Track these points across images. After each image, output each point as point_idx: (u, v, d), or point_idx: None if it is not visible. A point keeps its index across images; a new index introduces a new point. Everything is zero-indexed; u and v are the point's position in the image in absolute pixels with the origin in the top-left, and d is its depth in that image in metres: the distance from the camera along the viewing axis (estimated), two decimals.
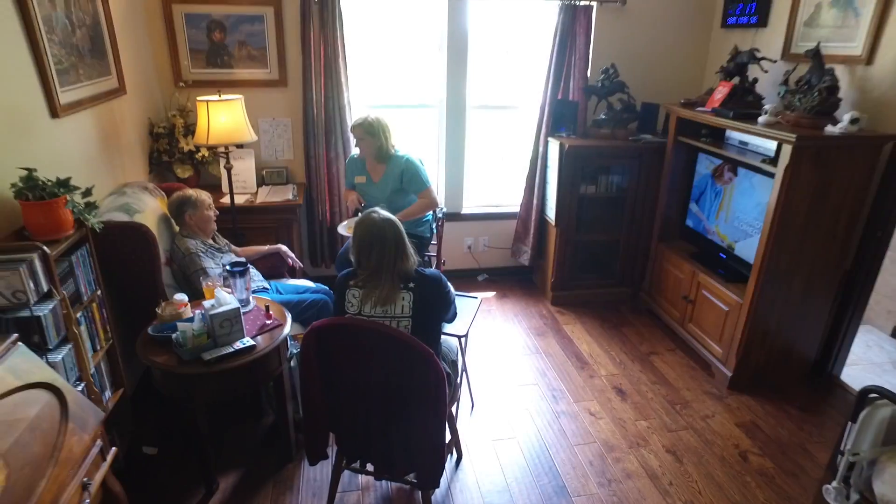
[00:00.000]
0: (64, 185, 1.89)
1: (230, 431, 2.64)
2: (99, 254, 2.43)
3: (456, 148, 3.89)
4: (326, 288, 3.21)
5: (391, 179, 3.12)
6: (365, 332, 1.77)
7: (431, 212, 3.33)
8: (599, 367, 3.18)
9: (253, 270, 2.87)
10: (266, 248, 3.10)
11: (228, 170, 3.08)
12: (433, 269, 2.00)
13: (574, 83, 3.65)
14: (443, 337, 2.27)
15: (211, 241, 2.76)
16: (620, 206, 3.73)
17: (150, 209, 2.66)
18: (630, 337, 3.50)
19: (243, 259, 2.69)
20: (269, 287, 2.87)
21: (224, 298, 2.14)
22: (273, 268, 3.14)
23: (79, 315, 1.97)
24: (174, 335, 2.05)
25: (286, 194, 3.43)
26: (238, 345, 2.10)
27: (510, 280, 4.24)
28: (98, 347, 2.14)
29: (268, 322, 2.29)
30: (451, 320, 2.19)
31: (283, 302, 2.67)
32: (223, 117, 2.87)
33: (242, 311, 2.35)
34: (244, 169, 3.48)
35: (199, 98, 2.86)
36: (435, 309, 1.94)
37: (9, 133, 1.94)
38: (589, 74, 3.68)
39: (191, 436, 2.25)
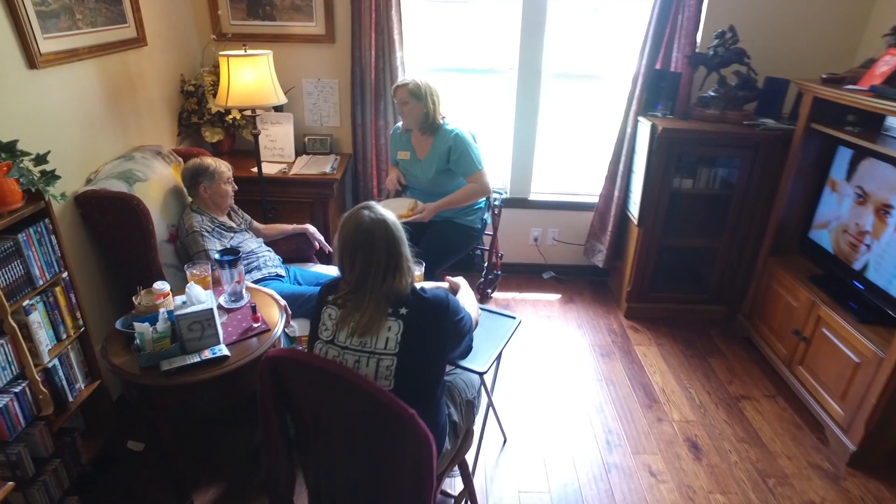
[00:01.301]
0: (7, 149, 1.58)
1: (227, 437, 2.34)
2: (90, 227, 2.18)
3: (527, 122, 3.29)
4: None
5: (437, 157, 2.62)
6: (326, 374, 1.32)
7: (484, 199, 2.80)
8: (672, 407, 2.55)
9: (269, 254, 2.52)
10: (291, 227, 2.73)
11: (255, 136, 2.72)
12: (438, 291, 1.50)
13: (678, 49, 2.91)
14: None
15: (223, 219, 2.42)
16: (723, 206, 2.98)
17: (157, 177, 2.36)
18: (718, 371, 2.81)
19: (237, 247, 2.33)
20: (285, 274, 2.51)
21: (197, 295, 1.78)
22: (298, 250, 2.78)
23: (29, 301, 1.69)
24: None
25: (324, 166, 3.04)
26: (207, 353, 1.74)
27: (580, 282, 3.63)
28: (64, 336, 1.87)
29: (254, 325, 1.91)
30: (461, 357, 1.70)
31: (290, 294, 2.30)
32: (247, 76, 2.49)
33: (233, 306, 2.00)
34: (282, 135, 3.13)
35: (221, 53, 2.49)
36: (434, 345, 1.44)
37: None
38: (699, 39, 2.92)
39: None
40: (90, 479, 2.04)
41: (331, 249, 2.83)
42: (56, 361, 1.84)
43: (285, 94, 3.10)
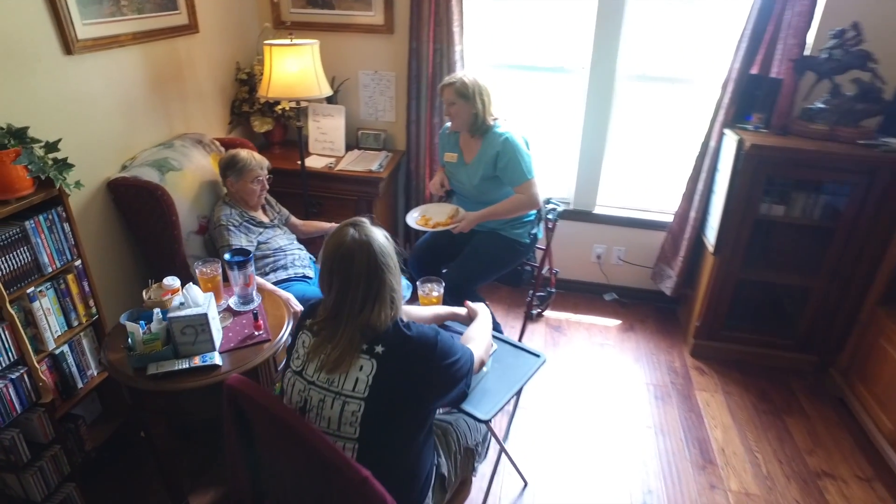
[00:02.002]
0: (17, 135, 1.56)
1: None
2: (121, 214, 2.18)
3: (596, 127, 2.97)
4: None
5: (483, 162, 2.39)
6: (278, 418, 1.16)
7: (534, 212, 2.53)
8: (730, 473, 2.17)
9: (300, 253, 2.42)
10: (329, 225, 2.63)
11: (299, 128, 2.63)
12: (426, 329, 1.29)
13: (782, 51, 2.46)
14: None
15: (254, 214, 2.35)
16: (823, 240, 2.51)
17: (193, 167, 2.33)
18: (796, 435, 2.37)
19: (249, 247, 2.24)
20: (313, 275, 2.40)
21: (194, 298, 1.70)
22: None
23: (36, 289, 1.68)
24: None
25: (372, 163, 2.90)
26: (198, 361, 1.65)
27: (645, 308, 3.25)
28: (76, 324, 1.86)
29: (256, 333, 1.81)
30: (453, 405, 1.48)
31: (312, 299, 2.18)
32: (290, 66, 2.39)
33: (242, 309, 1.91)
34: (333, 128, 3.03)
35: (265, 41, 2.41)
36: (411, 393, 1.24)
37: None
38: (810, 39, 2.45)
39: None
40: (98, 464, 2.05)
41: None
42: (66, 348, 1.83)
43: (340, 85, 3.02)
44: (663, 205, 3.10)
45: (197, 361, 1.65)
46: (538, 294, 3.10)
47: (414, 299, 1.98)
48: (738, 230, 2.51)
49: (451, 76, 2.35)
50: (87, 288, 1.87)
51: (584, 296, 3.34)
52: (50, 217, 1.70)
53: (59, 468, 1.82)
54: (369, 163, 2.92)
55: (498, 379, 1.67)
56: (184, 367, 1.63)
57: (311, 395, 1.24)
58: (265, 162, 2.32)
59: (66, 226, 1.76)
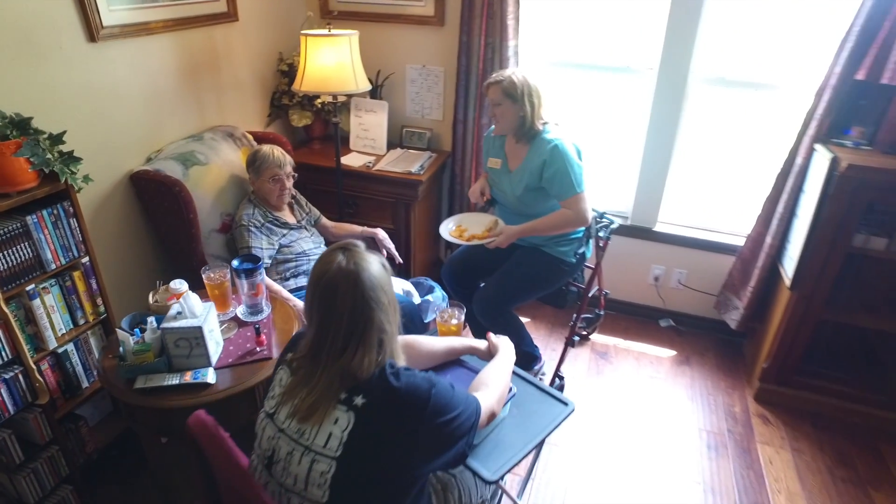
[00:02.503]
0: (19, 125, 1.48)
1: None
2: (144, 208, 2.11)
3: (663, 135, 2.65)
4: (433, 284, 2.49)
5: (528, 170, 2.15)
6: (226, 477, 1.00)
7: (582, 229, 2.26)
8: None
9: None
10: (360, 229, 2.47)
11: (335, 125, 2.49)
12: (419, 380, 1.08)
13: None
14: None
15: (279, 214, 2.23)
16: None
17: (221, 162, 2.23)
18: None
19: (270, 250, 2.12)
20: None
21: (191, 308, 1.57)
22: None
23: (37, 286, 1.61)
24: None
25: (412, 164, 2.72)
26: (189, 377, 1.53)
27: (705, 339, 2.91)
28: (82, 322, 1.80)
29: (257, 349, 1.67)
30: (451, 467, 1.27)
31: None
32: (326, 58, 2.24)
33: (251, 319, 1.78)
34: (375, 124, 2.87)
35: (302, 31, 2.27)
36: (393, 455, 1.04)
37: (15, 57, 1.60)
38: None
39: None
40: (101, 466, 1.99)
41: (401, 261, 2.52)
42: (71, 346, 1.77)
43: (385, 79, 2.85)
44: (735, 226, 2.74)
45: (188, 378, 1.53)
46: (585, 315, 2.83)
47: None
48: (824, 263, 2.14)
49: (499, 73, 2.12)
50: (94, 286, 1.80)
51: (636, 320, 3.03)
52: (55, 212, 1.62)
53: (55, 470, 1.76)
54: (410, 163, 2.74)
55: (515, 427, 1.44)
56: (174, 382, 1.51)
57: (279, 445, 1.07)
58: (287, 160, 2.18)
59: (74, 221, 1.68)
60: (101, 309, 1.84)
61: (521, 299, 2.33)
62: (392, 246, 2.47)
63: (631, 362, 2.72)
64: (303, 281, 2.18)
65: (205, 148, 2.22)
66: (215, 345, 1.62)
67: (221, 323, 1.77)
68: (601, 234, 2.37)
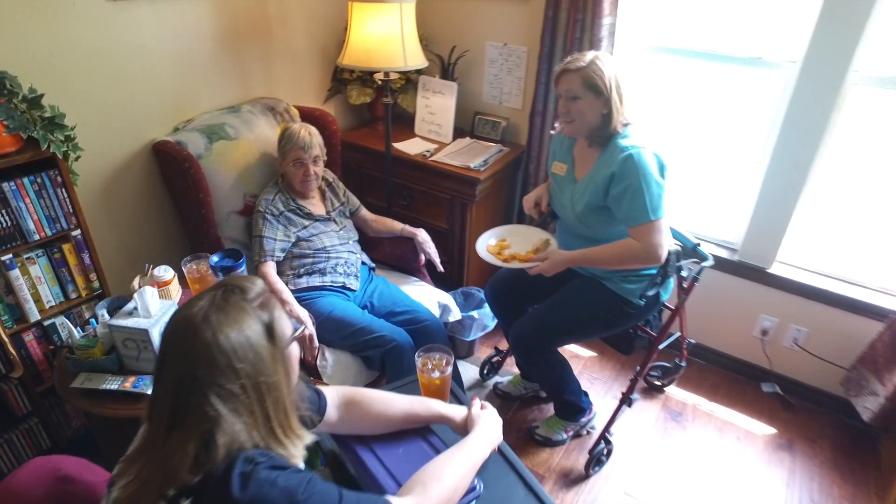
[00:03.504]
0: None
1: None
2: (164, 181, 1.99)
3: (798, 148, 2.01)
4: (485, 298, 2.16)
5: (594, 183, 1.70)
6: None
7: (657, 267, 1.75)
8: None
9: (349, 257, 2.03)
10: (401, 227, 2.18)
11: (386, 106, 2.20)
12: (278, 492, 0.75)
13: None
14: None
15: (304, 202, 2.00)
16: None
17: (252, 138, 2.05)
18: None
19: (284, 243, 1.91)
20: (356, 287, 2.00)
21: (146, 305, 1.39)
22: (403, 257, 2.24)
23: (13, 257, 1.53)
24: None
25: (475, 158, 2.36)
26: (129, 385, 1.35)
27: (822, 420, 2.24)
28: (74, 296, 1.71)
29: None
30: None
31: (336, 319, 1.80)
32: (373, 28, 1.95)
33: None
34: (442, 108, 2.53)
35: None
36: None
37: (24, 13, 1.51)
38: None
39: None
40: (89, 441, 1.94)
41: (441, 269, 2.20)
42: (63, 319, 1.69)
43: (459, 58, 2.50)
44: (887, 281, 2.04)
45: (129, 385, 1.35)
46: (661, 364, 2.31)
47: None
48: None
49: (575, 58, 1.65)
50: (87, 260, 1.69)
51: (730, 376, 2.43)
52: (38, 180, 1.51)
53: (34, 442, 1.72)
54: (473, 157, 2.38)
55: None
56: (111, 387, 1.35)
57: None
58: (316, 141, 1.93)
59: (63, 192, 1.57)
60: (96, 284, 1.74)
61: (567, 339, 1.91)
62: (432, 251, 2.15)
63: (711, 432, 2.17)
64: (316, 280, 1.94)
65: (238, 121, 2.04)
66: None
67: None
68: (684, 273, 1.84)
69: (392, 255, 2.27)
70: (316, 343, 1.73)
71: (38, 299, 1.63)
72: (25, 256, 1.57)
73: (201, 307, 0.78)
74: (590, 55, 1.64)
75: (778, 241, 2.17)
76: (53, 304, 1.68)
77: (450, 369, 1.30)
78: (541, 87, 2.32)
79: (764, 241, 2.19)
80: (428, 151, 2.43)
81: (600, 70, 1.59)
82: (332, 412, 1.11)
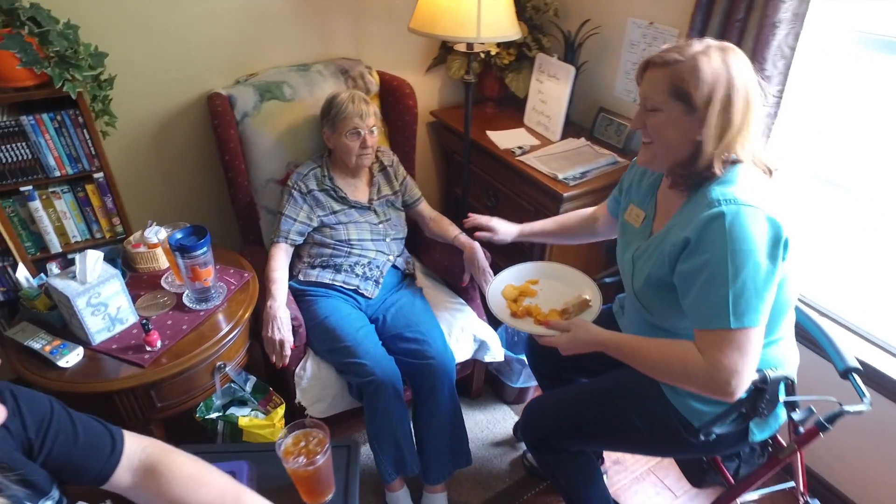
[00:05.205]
0: (8, 12, 1.34)
1: None
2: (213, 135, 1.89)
3: None
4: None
5: (663, 247, 1.12)
6: None
7: (733, 402, 1.09)
8: None
9: (378, 259, 1.76)
10: (455, 234, 1.81)
11: (466, 85, 1.80)
12: None
13: None
14: None
15: (344, 182, 1.75)
16: None
17: (310, 101, 1.85)
18: None
19: (306, 226, 1.68)
20: (371, 295, 1.72)
21: (83, 269, 1.28)
22: (449, 270, 1.88)
23: (33, 189, 1.55)
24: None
25: (571, 168, 1.85)
26: (49, 349, 1.28)
27: None
28: (98, 236, 1.72)
29: (147, 348, 1.31)
30: None
31: (326, 327, 1.56)
32: None
33: (196, 307, 1.44)
34: (553, 96, 2.02)
35: None
36: None
37: None
38: None
39: None
40: None
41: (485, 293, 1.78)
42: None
43: (587, 36, 1.95)
44: None
45: (49, 349, 1.28)
46: None
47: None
48: None
49: (676, 47, 1.08)
50: (110, 204, 1.68)
51: None
52: (58, 118, 1.50)
53: None
54: (570, 165, 1.87)
55: None
56: (35, 346, 1.29)
57: None
58: (372, 109, 1.65)
59: (84, 132, 1.54)
60: (120, 229, 1.73)
61: (591, 444, 1.39)
62: (481, 271, 1.73)
63: None
64: (326, 277, 1.70)
65: (301, 82, 1.85)
66: (108, 320, 1.32)
67: (161, 295, 1.46)
68: (797, 416, 1.16)
69: (439, 266, 1.91)
70: (287, 351, 1.50)
71: (62, 233, 1.66)
72: (50, 190, 1.59)
73: None
74: (698, 45, 1.04)
75: None
76: (79, 239, 1.70)
77: (322, 459, 0.94)
78: None
79: None
80: (521, 148, 1.97)
81: (702, 69, 1.00)
82: (123, 474, 0.86)
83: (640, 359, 1.12)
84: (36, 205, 1.57)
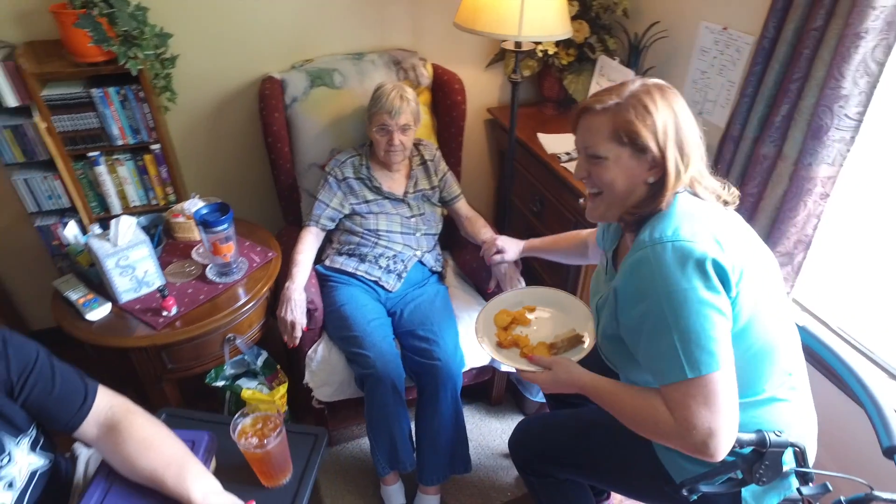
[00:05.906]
0: None
1: None
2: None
3: None
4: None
5: (617, 294, 1.00)
6: None
7: (718, 463, 0.96)
8: None
9: (404, 252, 1.77)
10: (485, 235, 1.78)
11: (513, 83, 1.74)
12: None
13: None
14: None
15: (381, 174, 1.77)
16: None
17: (359, 91, 1.88)
18: None
19: (337, 213, 1.72)
20: (392, 288, 1.73)
21: (115, 233, 1.39)
22: (474, 274, 1.86)
23: (100, 155, 1.70)
24: None
25: None
26: (83, 301, 1.41)
27: None
28: (154, 203, 1.86)
29: (163, 313, 1.40)
30: None
31: (342, 314, 1.59)
32: None
33: (219, 280, 1.53)
34: None
35: None
36: None
37: None
38: None
39: None
40: None
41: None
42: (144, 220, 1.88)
43: (653, 39, 1.82)
44: None
45: (82, 300, 1.40)
46: None
47: None
48: None
49: (604, 92, 0.98)
50: (165, 174, 1.81)
51: None
52: (122, 91, 1.63)
53: None
54: None
55: None
56: (72, 297, 1.42)
57: None
58: (410, 108, 1.64)
59: (144, 106, 1.67)
60: (172, 198, 1.87)
61: (572, 473, 1.29)
62: (506, 279, 1.68)
63: None
64: (350, 265, 1.73)
65: (353, 70, 1.88)
66: (135, 282, 1.43)
67: (189, 265, 1.56)
68: (806, 490, 1.02)
69: (467, 267, 1.88)
70: (298, 332, 1.54)
71: (123, 197, 1.82)
72: (114, 157, 1.74)
73: None
74: (633, 84, 0.97)
75: None
76: (137, 203, 1.85)
77: (276, 441, 0.96)
78: (744, 100, 1.52)
79: None
80: (568, 154, 1.88)
81: (647, 106, 0.92)
82: (90, 427, 0.93)
83: (616, 409, 1.02)
84: (101, 169, 1.73)
